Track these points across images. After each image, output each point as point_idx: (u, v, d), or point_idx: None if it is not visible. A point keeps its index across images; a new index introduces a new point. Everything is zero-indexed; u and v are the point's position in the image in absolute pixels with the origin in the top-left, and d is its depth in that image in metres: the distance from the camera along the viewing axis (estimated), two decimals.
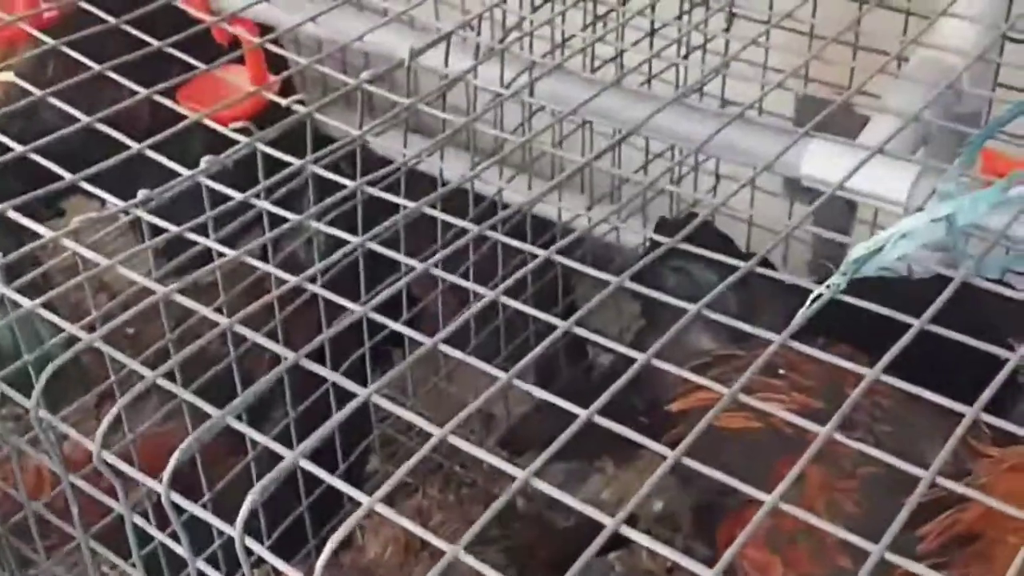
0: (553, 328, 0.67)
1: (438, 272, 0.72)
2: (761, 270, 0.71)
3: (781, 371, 0.94)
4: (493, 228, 0.77)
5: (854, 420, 0.90)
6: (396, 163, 0.87)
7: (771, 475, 0.93)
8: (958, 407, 0.58)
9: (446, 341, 0.65)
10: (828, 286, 0.66)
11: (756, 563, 0.95)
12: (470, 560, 0.54)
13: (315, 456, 0.60)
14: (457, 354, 0.65)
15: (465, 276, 1.14)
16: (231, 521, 0.85)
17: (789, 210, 1.39)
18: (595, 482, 1.49)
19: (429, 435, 0.59)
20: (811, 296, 0.65)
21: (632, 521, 0.56)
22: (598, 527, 0.56)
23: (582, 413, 0.60)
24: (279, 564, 0.59)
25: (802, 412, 0.98)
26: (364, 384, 0.63)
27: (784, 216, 1.39)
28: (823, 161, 0.89)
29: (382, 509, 0.56)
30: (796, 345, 0.64)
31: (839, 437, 0.59)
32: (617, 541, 1.30)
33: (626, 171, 1.35)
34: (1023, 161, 0.93)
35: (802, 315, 0.65)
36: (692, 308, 0.66)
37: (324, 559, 0.54)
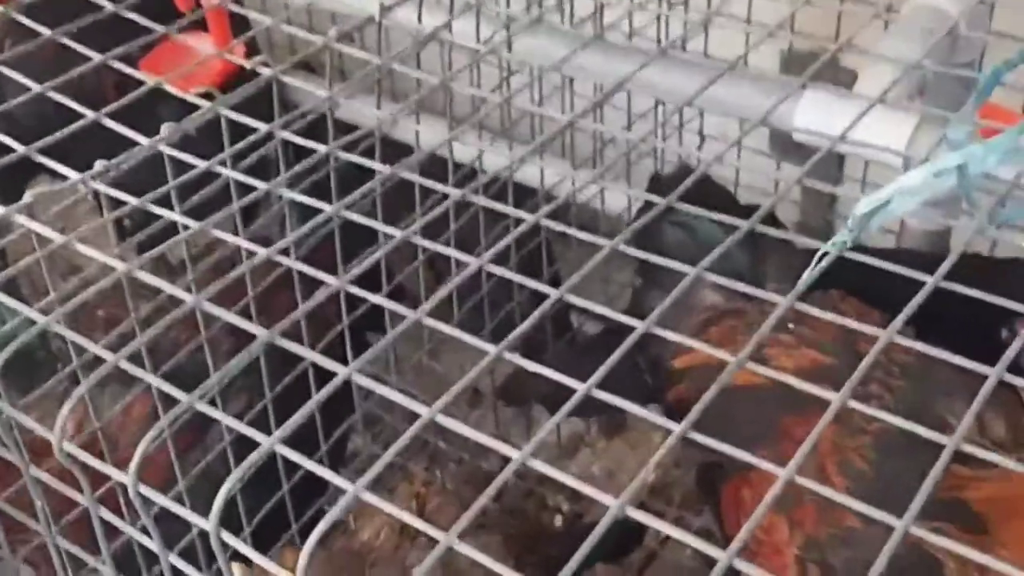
0: (537, 299, 0.63)
1: (419, 240, 0.67)
2: (763, 228, 0.67)
3: (790, 325, 0.90)
4: (474, 193, 0.73)
5: (868, 375, 0.87)
6: (370, 127, 0.82)
7: (777, 432, 0.90)
8: (981, 368, 0.55)
9: (428, 315, 0.61)
10: (835, 243, 0.62)
11: (761, 524, 0.92)
12: (465, 549, 0.51)
13: (293, 438, 0.56)
14: (443, 327, 0.61)
15: (445, 247, 1.10)
16: (200, 508, 0.80)
17: (776, 169, 1.35)
18: (585, 456, 1.46)
19: (412, 412, 0.56)
20: (818, 254, 0.62)
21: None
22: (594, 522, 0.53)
23: (581, 387, 0.56)
24: (258, 559, 0.55)
25: (812, 368, 0.95)
26: (343, 364, 0.59)
27: (771, 175, 1.36)
28: (818, 113, 0.85)
29: (368, 497, 0.52)
30: (805, 308, 0.60)
31: (853, 404, 0.55)
32: (630, 542, 1.26)
33: (608, 133, 1.31)
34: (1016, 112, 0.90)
35: (809, 275, 0.61)
36: (692, 271, 0.62)
37: (308, 551, 0.50)
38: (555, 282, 1.38)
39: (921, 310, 0.60)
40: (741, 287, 0.61)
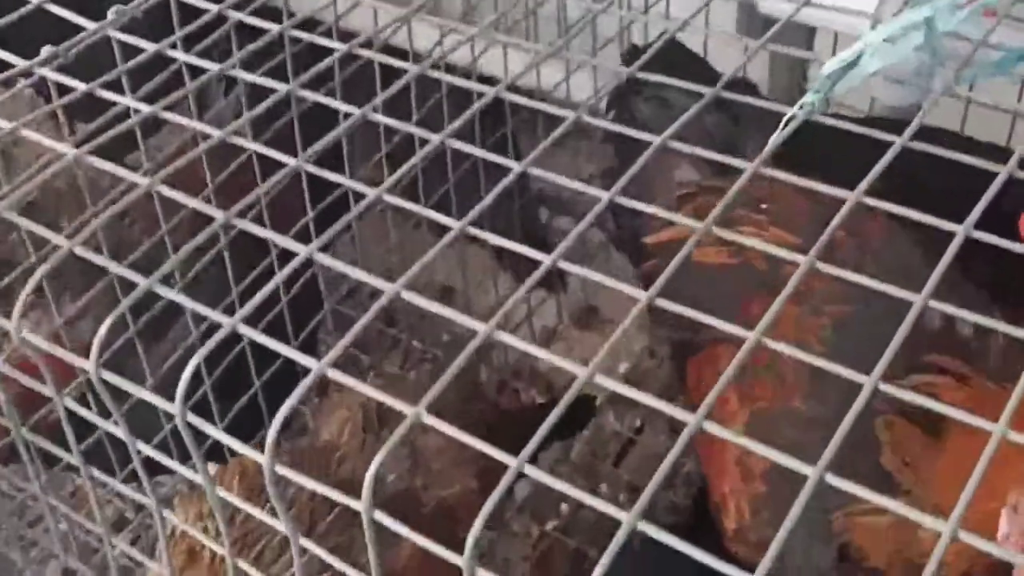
0: (507, 192, 0.62)
1: (379, 117, 0.66)
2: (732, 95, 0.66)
3: (764, 205, 0.90)
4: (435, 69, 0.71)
5: (838, 258, 0.86)
6: (325, 13, 0.80)
7: (739, 309, 0.90)
8: (947, 225, 0.54)
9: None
10: (802, 106, 0.61)
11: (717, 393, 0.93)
12: (432, 421, 0.50)
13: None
14: (406, 204, 0.60)
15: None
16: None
17: (745, 49, 1.33)
18: (558, 348, 1.46)
19: (384, 312, 0.55)
20: (785, 117, 0.61)
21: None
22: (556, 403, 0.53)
23: (546, 259, 0.55)
24: (229, 441, 0.54)
25: (779, 246, 0.94)
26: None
27: (740, 56, 1.33)
28: None
29: (333, 374, 0.52)
30: (770, 172, 0.59)
31: (821, 266, 0.54)
32: (584, 418, 1.28)
33: (571, 18, 1.29)
34: None
35: (776, 138, 0.60)
36: (658, 139, 0.61)
37: (275, 427, 0.50)
38: (521, 176, 1.36)
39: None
40: (709, 155, 0.60)
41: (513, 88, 1.20)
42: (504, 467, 0.50)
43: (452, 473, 0.97)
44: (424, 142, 0.65)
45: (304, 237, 1.01)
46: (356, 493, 0.96)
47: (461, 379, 1.20)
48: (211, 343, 0.53)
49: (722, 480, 0.90)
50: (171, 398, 0.91)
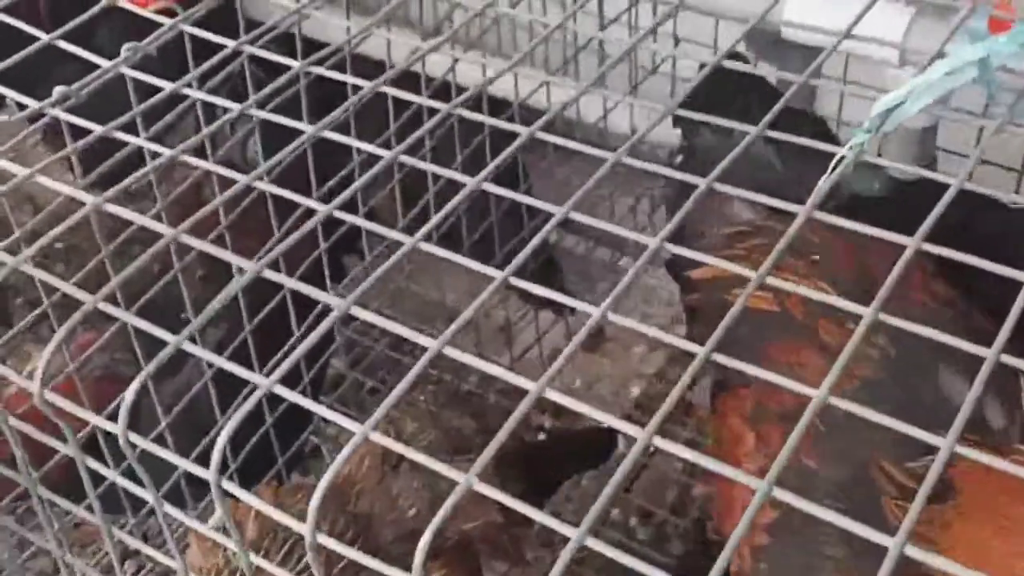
0: (514, 214, 0.60)
1: (407, 159, 0.63)
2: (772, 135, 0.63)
3: (815, 257, 0.87)
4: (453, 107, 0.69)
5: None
6: (340, 42, 0.77)
7: (763, 355, 0.88)
8: (1015, 274, 0.52)
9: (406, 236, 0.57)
10: (852, 147, 0.59)
11: (735, 431, 0.91)
12: (483, 488, 0.48)
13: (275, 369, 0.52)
14: (446, 253, 0.57)
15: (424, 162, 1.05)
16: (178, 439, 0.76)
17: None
18: (566, 371, 1.43)
19: (392, 335, 0.53)
20: (835, 158, 0.58)
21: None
22: (578, 434, 0.50)
23: (596, 311, 0.53)
24: (272, 512, 0.51)
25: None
26: (319, 287, 0.56)
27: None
28: (808, 6, 0.81)
29: (377, 437, 0.49)
30: (822, 216, 0.57)
31: (884, 318, 0.52)
32: (607, 449, 1.26)
33: (580, 39, 1.26)
34: None
35: (825, 181, 0.58)
36: (703, 183, 0.59)
37: (317, 500, 0.47)
38: (529, 192, 1.33)
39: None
40: (757, 197, 0.58)
41: (524, 107, 1.18)
42: (527, 501, 0.48)
43: (476, 507, 0.95)
44: (439, 180, 0.62)
45: (316, 268, 0.99)
46: (373, 529, 0.93)
47: (481, 415, 1.18)
48: (245, 408, 0.50)
49: (728, 520, 0.89)
50: (183, 435, 0.88)
